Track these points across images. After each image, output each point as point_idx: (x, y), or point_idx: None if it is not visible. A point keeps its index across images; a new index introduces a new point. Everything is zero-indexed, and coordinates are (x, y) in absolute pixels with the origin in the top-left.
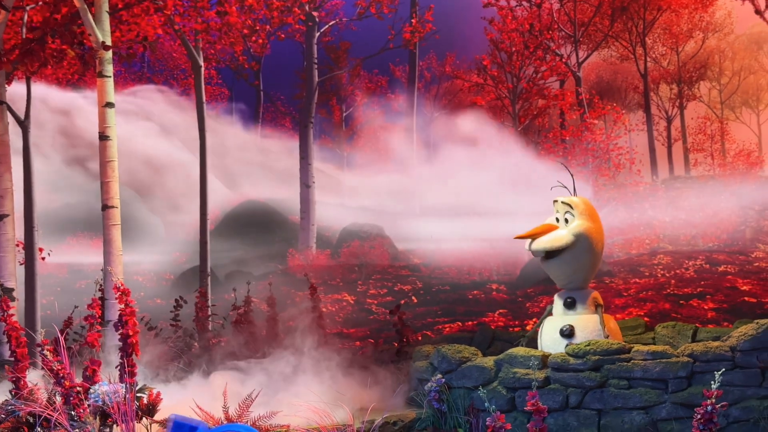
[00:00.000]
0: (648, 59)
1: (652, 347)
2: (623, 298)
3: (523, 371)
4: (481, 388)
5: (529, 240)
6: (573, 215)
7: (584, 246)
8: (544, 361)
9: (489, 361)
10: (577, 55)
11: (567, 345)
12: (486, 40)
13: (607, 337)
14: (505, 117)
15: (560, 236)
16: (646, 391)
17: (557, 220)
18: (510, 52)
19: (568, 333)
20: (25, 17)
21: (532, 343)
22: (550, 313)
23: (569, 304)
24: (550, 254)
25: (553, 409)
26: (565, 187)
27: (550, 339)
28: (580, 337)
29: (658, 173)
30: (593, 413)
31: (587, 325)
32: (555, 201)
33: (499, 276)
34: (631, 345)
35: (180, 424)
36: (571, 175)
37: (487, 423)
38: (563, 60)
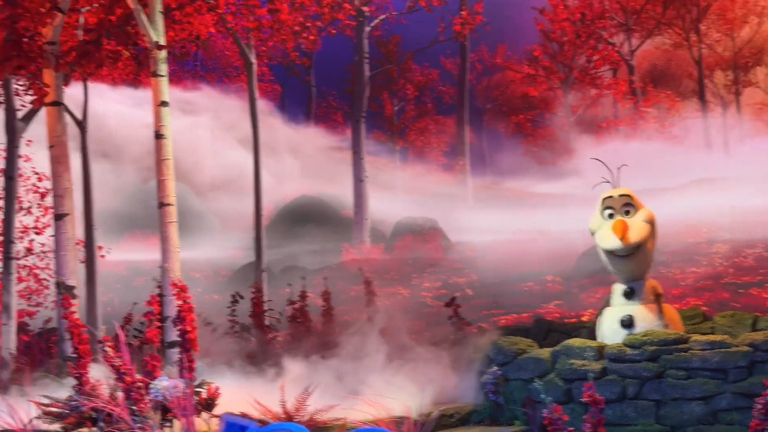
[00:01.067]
0: (702, 45)
1: (711, 337)
2: (680, 288)
3: (580, 362)
4: (537, 379)
5: (616, 240)
6: (633, 206)
7: (654, 232)
8: (600, 352)
9: (545, 353)
10: (629, 43)
11: (627, 335)
12: (537, 31)
13: (666, 326)
14: (557, 107)
15: (642, 226)
16: (705, 381)
17: (610, 216)
18: (561, 41)
19: (627, 323)
20: (81, 19)
21: (592, 334)
22: (608, 304)
23: (628, 294)
24: (626, 250)
25: (610, 400)
26: (608, 182)
27: (609, 329)
28: (639, 327)
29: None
30: (651, 404)
31: (647, 315)
32: (607, 197)
33: (554, 267)
34: (689, 335)
35: (231, 424)
36: (608, 169)
37: (544, 415)
38: (616, 48)
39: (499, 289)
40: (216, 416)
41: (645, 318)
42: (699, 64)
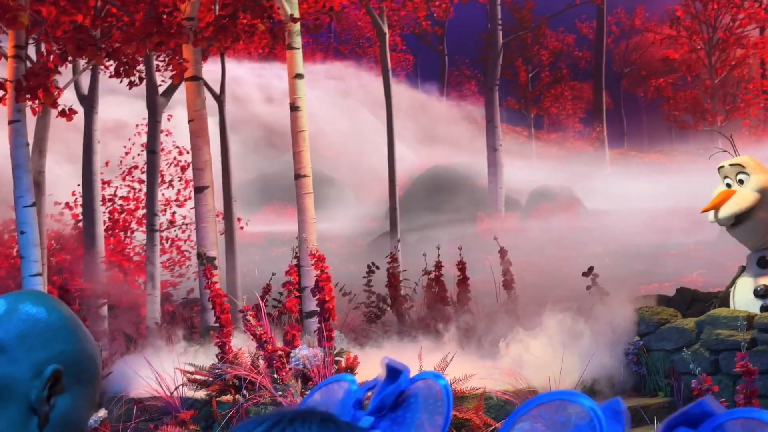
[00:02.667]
0: None
1: None
2: None
3: (727, 332)
4: (685, 349)
5: (713, 212)
6: (747, 174)
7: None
8: (750, 321)
9: (690, 323)
10: None
11: (762, 305)
12: None
13: None
14: (700, 69)
15: (745, 196)
16: None
17: (728, 186)
18: (705, 0)
19: (762, 293)
20: None
21: (725, 303)
22: (742, 273)
23: (762, 264)
24: (739, 219)
25: (761, 372)
26: (726, 152)
27: (743, 300)
28: None
29: None
30: None
31: None
32: (720, 167)
33: (697, 236)
34: None
35: (390, 366)
36: (729, 138)
37: (692, 386)
38: (763, 6)
39: (640, 258)
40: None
41: None
42: None
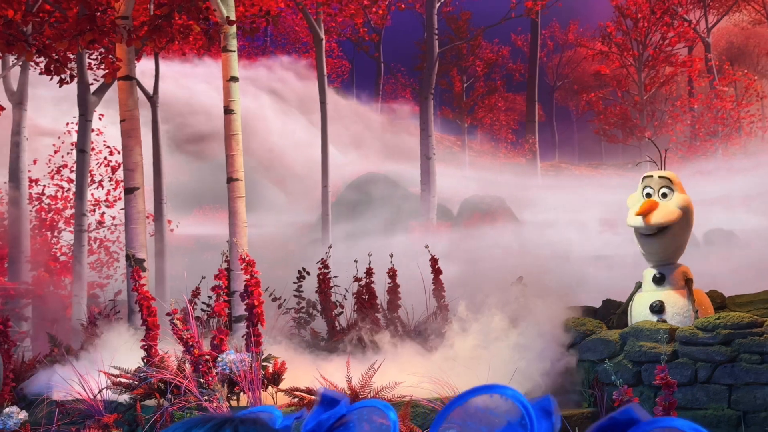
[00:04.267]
0: None
1: None
2: None
3: (650, 345)
4: (608, 361)
5: (639, 218)
6: (672, 189)
7: (687, 220)
8: (671, 334)
9: (614, 334)
10: (706, 20)
11: (657, 320)
12: (611, 7)
13: (697, 311)
14: (630, 85)
15: (672, 211)
16: None
17: (648, 196)
18: (636, 18)
19: (657, 308)
20: None
21: (623, 318)
22: (639, 289)
23: (658, 280)
24: (659, 231)
25: (681, 384)
26: (655, 162)
27: (639, 315)
28: (670, 312)
29: None
30: (723, 388)
31: (677, 300)
32: (646, 176)
33: (625, 246)
34: (764, 319)
35: (326, 396)
36: (659, 151)
37: (613, 397)
38: (692, 25)
39: (568, 269)
40: (282, 390)
41: (675, 303)
42: None
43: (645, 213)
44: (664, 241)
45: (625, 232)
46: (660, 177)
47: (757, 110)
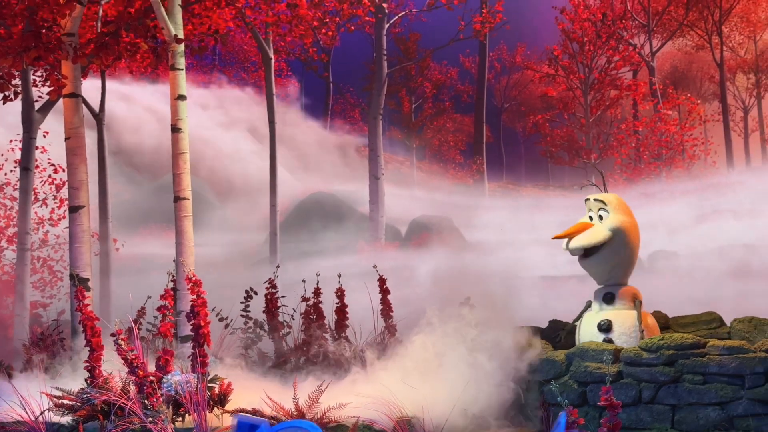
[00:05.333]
0: (724, 48)
1: (728, 342)
2: None
3: (595, 365)
4: (552, 381)
5: (566, 240)
6: (607, 211)
7: (621, 241)
8: (616, 355)
9: (560, 355)
10: (650, 45)
11: (604, 339)
12: (557, 30)
13: (643, 332)
14: (576, 108)
15: (597, 232)
16: (722, 387)
17: (590, 218)
18: (582, 42)
19: (605, 328)
20: (100, 11)
21: (571, 336)
22: (589, 308)
23: (608, 300)
24: (588, 252)
25: (625, 404)
26: (596, 186)
27: (587, 333)
28: (617, 332)
29: (735, 165)
30: (667, 408)
31: (625, 320)
32: (586, 200)
33: (572, 267)
34: (707, 339)
35: (242, 423)
36: (601, 174)
37: (559, 418)
38: (636, 50)
39: (516, 289)
40: (228, 412)
41: (623, 323)
42: (721, 67)
43: (567, 235)
44: (597, 262)
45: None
46: (595, 200)
47: (700, 134)
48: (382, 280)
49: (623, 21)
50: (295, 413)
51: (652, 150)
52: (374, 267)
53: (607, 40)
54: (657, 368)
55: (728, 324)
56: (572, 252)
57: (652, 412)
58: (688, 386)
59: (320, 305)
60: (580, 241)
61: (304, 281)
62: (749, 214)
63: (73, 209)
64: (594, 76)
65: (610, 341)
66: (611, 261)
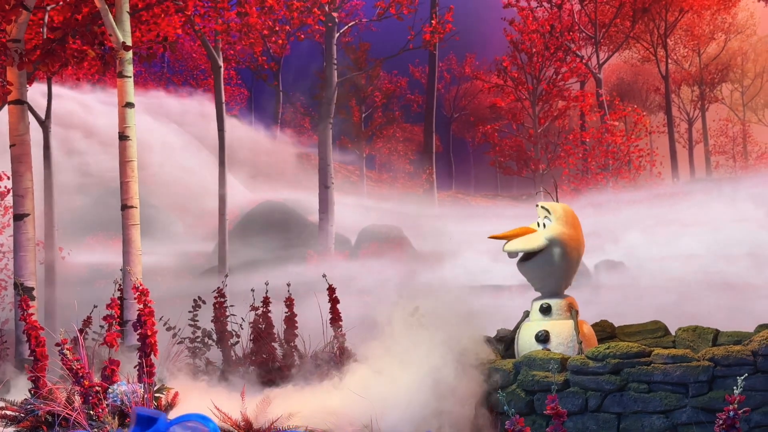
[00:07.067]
0: (669, 61)
1: (673, 351)
2: None
3: (542, 374)
4: (500, 390)
5: (505, 241)
6: (550, 220)
7: (558, 251)
8: (563, 363)
9: (508, 364)
10: (597, 57)
11: (541, 350)
12: (506, 41)
13: (581, 342)
14: (524, 118)
15: (534, 239)
16: (667, 395)
17: (538, 224)
18: (530, 53)
19: (543, 338)
20: (46, 17)
21: (510, 347)
22: (527, 318)
23: (545, 310)
24: (525, 257)
25: (572, 413)
26: (549, 194)
27: (526, 343)
28: (554, 342)
29: (679, 175)
30: (613, 417)
31: (562, 330)
32: (537, 205)
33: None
34: (651, 348)
35: (141, 416)
36: (554, 183)
37: (506, 426)
38: (584, 61)
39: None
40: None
41: (560, 333)
42: (666, 79)
43: (505, 237)
44: (530, 268)
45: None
46: (541, 207)
47: (646, 144)
48: (331, 290)
49: (571, 33)
50: (242, 423)
51: (599, 160)
52: (323, 276)
53: (555, 52)
54: (603, 377)
55: (673, 333)
56: (509, 255)
57: (598, 420)
58: (634, 395)
59: (269, 314)
60: (515, 245)
61: (252, 290)
62: (694, 224)
63: (18, 217)
64: (542, 87)
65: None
66: (545, 269)
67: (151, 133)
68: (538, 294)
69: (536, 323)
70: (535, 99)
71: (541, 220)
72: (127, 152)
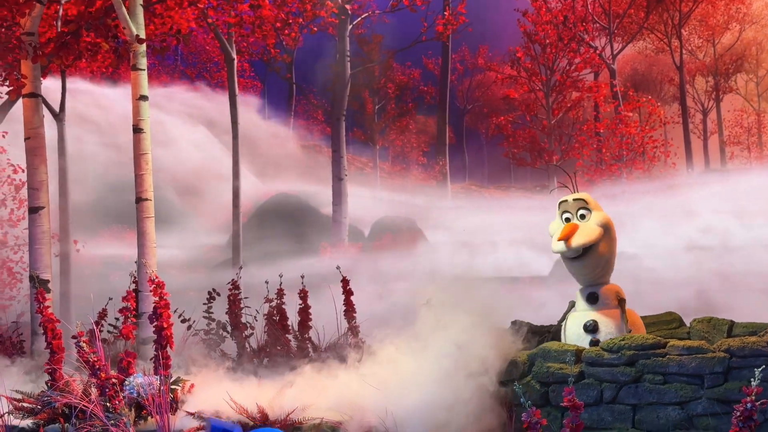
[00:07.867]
0: (684, 51)
1: (688, 342)
2: None
3: (557, 366)
4: (516, 382)
5: (562, 243)
6: (589, 210)
7: (610, 236)
8: (578, 355)
9: (522, 356)
10: (611, 47)
11: (591, 340)
12: (520, 32)
13: (629, 331)
14: (538, 109)
15: (593, 230)
16: (682, 387)
17: (567, 220)
18: (544, 44)
19: (591, 328)
20: (60, 11)
21: (557, 338)
22: (573, 308)
23: (591, 299)
24: (584, 252)
25: (587, 404)
26: (566, 187)
27: (573, 334)
28: (603, 332)
29: (694, 166)
30: (628, 408)
31: (610, 319)
32: (562, 202)
33: (532, 268)
34: (667, 340)
35: (216, 428)
36: (573, 174)
37: (522, 418)
38: (597, 52)
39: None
40: (191, 414)
41: (608, 323)
42: (680, 70)
43: (566, 237)
44: (591, 261)
45: (532, 253)
46: (575, 200)
47: (660, 135)
48: (345, 281)
49: (584, 24)
50: (257, 415)
51: (614, 151)
52: (337, 268)
53: (568, 43)
54: (618, 368)
55: (688, 324)
56: (570, 254)
57: (613, 411)
58: (649, 386)
59: (283, 306)
60: (581, 240)
61: (267, 282)
62: (709, 214)
63: (33, 210)
64: (556, 78)
65: (597, 342)
66: (604, 258)
67: (165, 126)
68: (583, 285)
69: (583, 313)
70: (548, 90)
71: (573, 214)
72: (142, 145)
